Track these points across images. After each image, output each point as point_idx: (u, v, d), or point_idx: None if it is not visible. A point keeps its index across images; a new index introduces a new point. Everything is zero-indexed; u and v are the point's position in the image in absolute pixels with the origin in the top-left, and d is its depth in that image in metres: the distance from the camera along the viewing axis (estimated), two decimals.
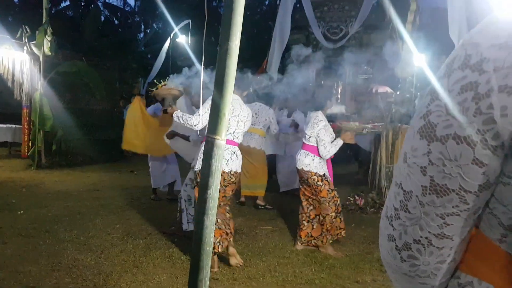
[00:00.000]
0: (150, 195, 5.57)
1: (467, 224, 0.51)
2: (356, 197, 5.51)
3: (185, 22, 12.91)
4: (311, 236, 3.75)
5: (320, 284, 3.03)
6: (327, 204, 3.67)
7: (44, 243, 3.58)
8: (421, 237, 0.51)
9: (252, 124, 4.95)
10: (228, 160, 3.30)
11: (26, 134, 8.07)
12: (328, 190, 3.67)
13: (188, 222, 3.98)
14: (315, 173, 3.67)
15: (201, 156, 3.81)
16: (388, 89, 4.61)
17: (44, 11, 7.74)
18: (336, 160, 7.11)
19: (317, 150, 3.73)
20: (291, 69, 4.09)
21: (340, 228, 3.75)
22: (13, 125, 8.84)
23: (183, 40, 12.28)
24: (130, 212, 4.80)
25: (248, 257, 3.51)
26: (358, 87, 9.68)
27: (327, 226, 3.68)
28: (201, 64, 1.98)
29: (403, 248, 0.53)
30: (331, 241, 3.74)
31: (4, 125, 8.88)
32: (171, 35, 13.03)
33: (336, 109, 4.40)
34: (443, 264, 0.53)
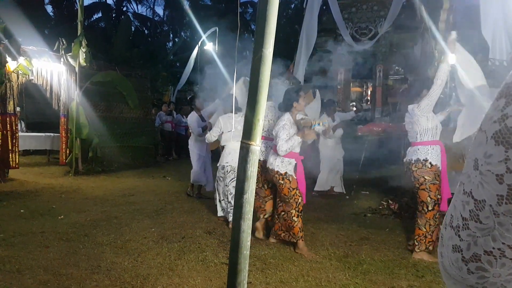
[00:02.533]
0: (183, 199, 5.80)
1: None
2: (390, 202, 5.39)
3: (212, 29, 13.13)
4: (281, 230, 3.93)
5: None
6: (289, 201, 3.83)
7: (83, 247, 3.73)
8: (493, 248, 0.49)
9: None
10: (264, 152, 4.16)
11: (63, 142, 8.40)
12: (289, 188, 3.81)
13: (222, 210, 4.70)
14: (277, 171, 3.83)
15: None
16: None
17: (79, 23, 8.04)
18: (368, 165, 7.01)
19: None
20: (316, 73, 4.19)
21: (301, 231, 3.83)
22: (52, 134, 9.22)
23: (210, 47, 12.50)
24: (164, 216, 4.91)
25: (280, 261, 3.50)
26: (389, 88, 9.49)
27: (288, 222, 3.82)
28: (234, 72, 2.00)
29: (471, 260, 0.51)
30: (294, 241, 3.84)
31: (43, 134, 9.30)
32: (199, 43, 13.28)
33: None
34: None
